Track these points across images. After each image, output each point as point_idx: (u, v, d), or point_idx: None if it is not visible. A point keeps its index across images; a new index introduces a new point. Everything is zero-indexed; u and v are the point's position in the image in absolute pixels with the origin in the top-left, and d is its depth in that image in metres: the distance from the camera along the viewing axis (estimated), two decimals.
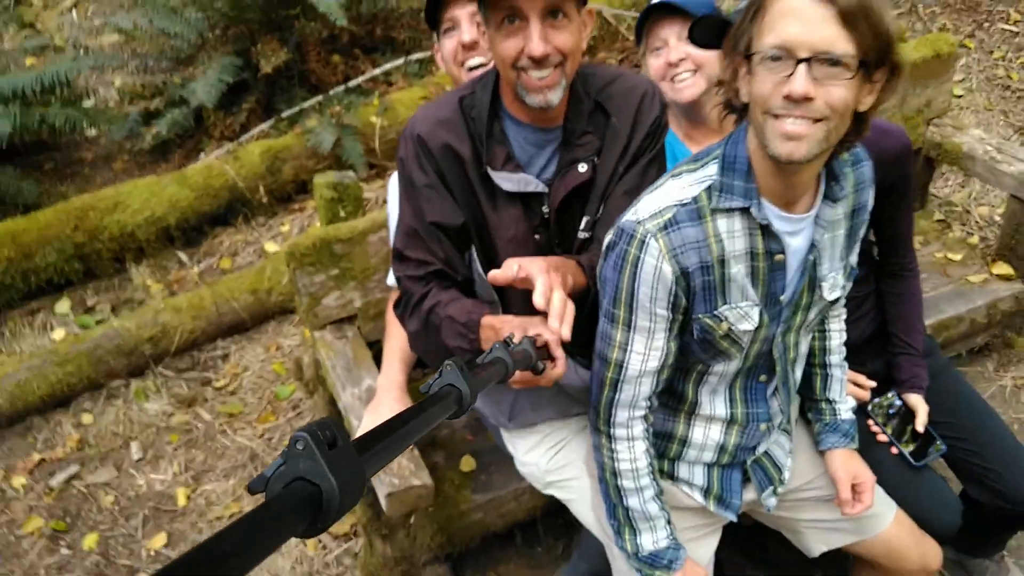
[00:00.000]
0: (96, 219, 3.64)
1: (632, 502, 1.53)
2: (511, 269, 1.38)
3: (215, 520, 2.78)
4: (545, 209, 1.66)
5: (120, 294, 3.73)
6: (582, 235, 1.70)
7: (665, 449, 1.63)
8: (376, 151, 4.13)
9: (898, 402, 1.97)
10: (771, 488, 1.69)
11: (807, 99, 1.19)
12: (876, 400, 1.98)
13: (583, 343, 1.53)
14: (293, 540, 2.18)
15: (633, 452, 1.50)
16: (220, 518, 2.77)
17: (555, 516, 2.43)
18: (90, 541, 2.75)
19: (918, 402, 1.94)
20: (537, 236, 1.66)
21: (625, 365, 1.44)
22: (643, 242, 1.34)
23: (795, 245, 1.40)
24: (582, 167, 1.63)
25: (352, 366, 2.23)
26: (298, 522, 0.63)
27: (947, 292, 2.71)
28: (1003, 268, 2.77)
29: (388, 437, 0.80)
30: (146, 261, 3.80)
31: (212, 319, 3.34)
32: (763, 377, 1.55)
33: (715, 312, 1.40)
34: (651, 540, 1.54)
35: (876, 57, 1.22)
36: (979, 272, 2.77)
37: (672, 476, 1.66)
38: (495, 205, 1.65)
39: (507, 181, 1.61)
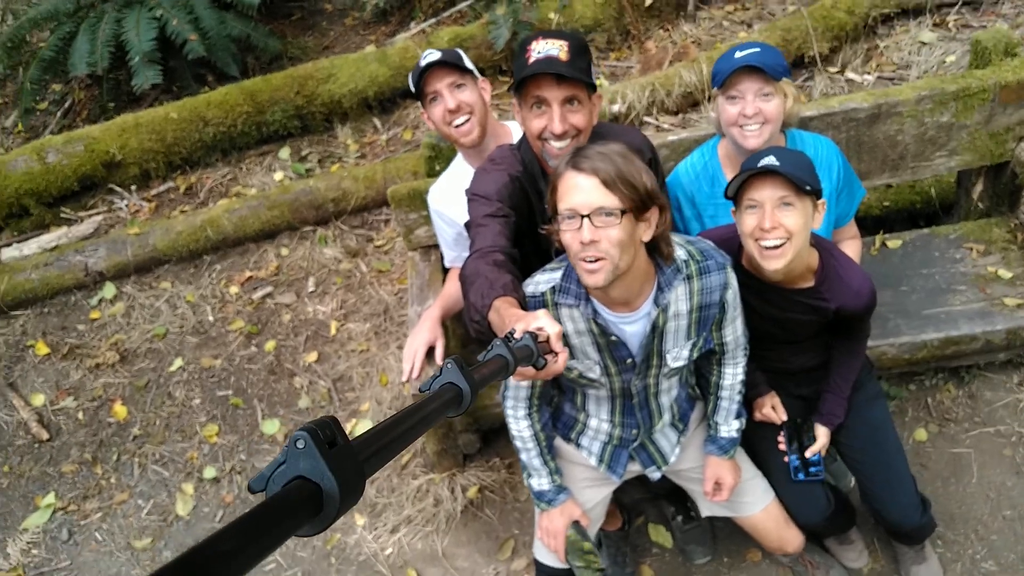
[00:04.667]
0: (313, 87, 4.53)
1: (523, 456, 2.20)
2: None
3: (351, 352, 3.78)
4: None
5: (327, 148, 4.68)
6: None
7: (573, 424, 2.26)
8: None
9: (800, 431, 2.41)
10: (654, 466, 2.28)
11: (593, 242, 1.67)
12: (792, 421, 2.41)
13: None
14: None
15: (518, 426, 2.15)
16: (354, 351, 3.77)
17: None
18: (270, 345, 3.89)
19: (822, 434, 2.36)
20: None
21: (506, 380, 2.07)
22: None
23: (631, 330, 1.89)
24: None
25: (425, 286, 2.98)
26: (298, 521, 0.64)
27: (972, 310, 2.85)
28: None
29: (388, 436, 0.80)
30: (349, 124, 4.69)
31: (380, 189, 4.19)
32: (634, 400, 2.10)
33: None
34: (537, 483, 2.22)
35: (638, 204, 1.68)
36: (1022, 295, 2.88)
37: (577, 444, 2.29)
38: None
39: None
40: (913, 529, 2.43)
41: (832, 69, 4.19)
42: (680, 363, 1.99)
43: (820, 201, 2.00)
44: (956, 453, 2.98)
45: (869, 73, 4.09)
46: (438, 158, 2.92)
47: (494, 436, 3.28)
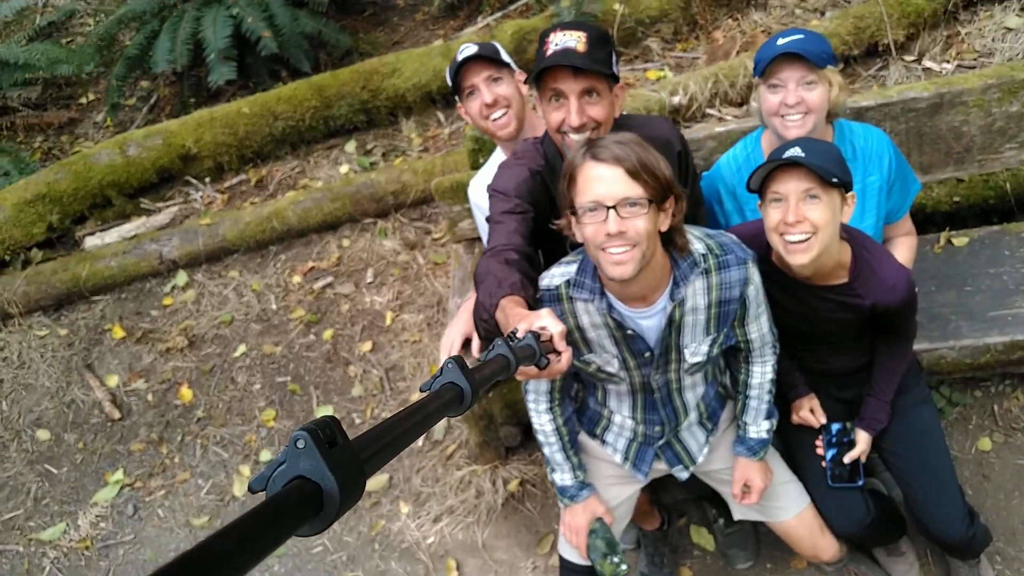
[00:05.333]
0: (378, 81, 4.61)
1: (545, 450, 2.18)
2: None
3: (404, 342, 3.84)
4: None
5: (391, 142, 4.76)
6: None
7: (598, 420, 2.22)
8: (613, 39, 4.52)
9: (848, 434, 2.30)
10: (681, 465, 2.23)
11: (621, 232, 1.64)
12: (834, 424, 2.31)
13: None
14: None
15: (540, 419, 2.12)
16: (407, 341, 3.83)
17: None
18: (328, 334, 3.98)
19: (863, 440, 2.25)
20: None
21: None
22: None
23: (647, 324, 1.85)
24: None
25: (466, 278, 2.99)
26: (299, 521, 0.65)
27: None
28: None
29: (388, 436, 0.81)
30: (413, 117, 4.75)
31: None
32: (656, 395, 2.05)
33: (582, 358, 1.93)
34: (560, 478, 2.20)
35: (660, 194, 1.65)
36: None
37: (603, 440, 2.26)
38: None
39: None
40: (960, 542, 2.29)
41: (908, 58, 3.98)
42: (699, 358, 1.94)
43: (849, 194, 1.91)
44: (1022, 465, 2.80)
45: (948, 62, 3.87)
46: (482, 151, 2.93)
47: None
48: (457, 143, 4.57)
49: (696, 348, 1.92)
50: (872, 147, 2.35)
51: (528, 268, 1.90)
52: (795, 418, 2.34)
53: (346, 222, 4.34)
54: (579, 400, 2.25)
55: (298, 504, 0.65)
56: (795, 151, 1.84)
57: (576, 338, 1.92)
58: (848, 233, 2.03)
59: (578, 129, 1.99)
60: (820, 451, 2.31)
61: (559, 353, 1.37)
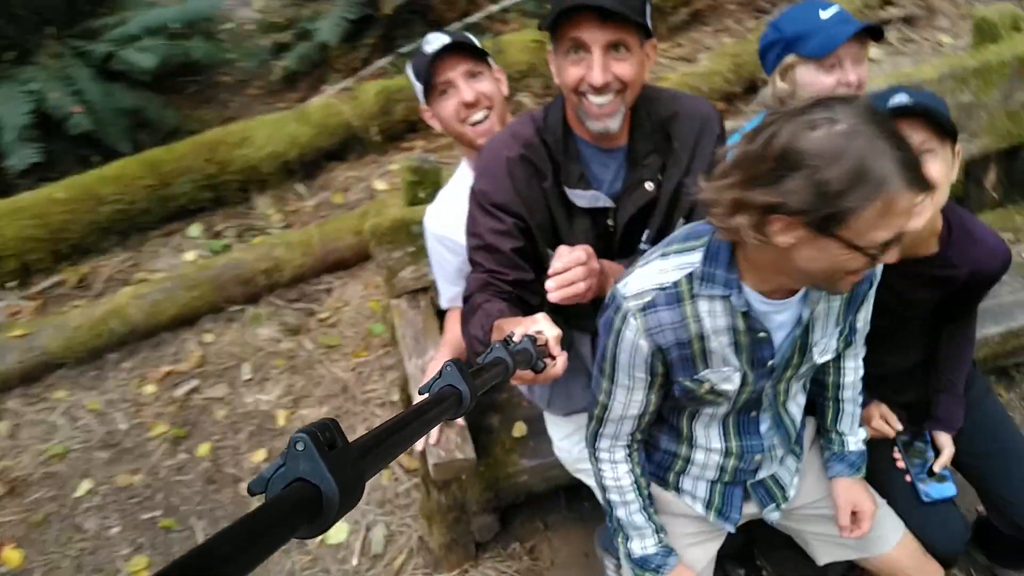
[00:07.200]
0: (225, 152, 3.98)
1: (620, 513, 1.69)
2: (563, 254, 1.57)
3: None
4: (611, 222, 1.78)
5: (245, 220, 4.10)
6: (643, 247, 1.81)
7: (672, 463, 1.76)
8: None
9: (926, 440, 2.01)
10: (773, 504, 1.81)
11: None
12: (906, 435, 2.01)
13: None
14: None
15: (616, 472, 1.66)
16: None
17: None
18: (204, 449, 3.19)
19: (946, 442, 1.96)
20: (603, 245, 1.78)
21: (609, 408, 1.58)
22: (624, 317, 1.45)
23: (780, 319, 1.46)
24: (648, 186, 1.75)
25: (420, 336, 2.45)
26: (298, 523, 0.65)
27: None
28: None
29: (388, 439, 0.81)
30: (269, 192, 4.14)
31: (319, 256, 3.64)
32: (754, 413, 1.64)
33: (695, 377, 1.50)
34: (640, 546, 1.70)
35: None
36: None
37: (677, 488, 1.79)
38: (568, 216, 1.79)
39: (580, 198, 1.75)
40: None
41: None
42: (828, 356, 1.57)
43: (957, 148, 1.66)
44: None
45: None
46: (422, 183, 2.44)
47: (512, 515, 2.71)
48: (327, 214, 4.02)
49: (826, 344, 1.55)
50: None
51: (515, 299, 1.70)
52: (867, 430, 2.00)
53: (206, 313, 3.60)
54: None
55: (297, 506, 0.63)
56: (901, 97, 1.57)
57: (694, 350, 1.47)
58: None
59: (600, 90, 1.61)
60: (901, 464, 1.99)
61: (554, 358, 1.31)
